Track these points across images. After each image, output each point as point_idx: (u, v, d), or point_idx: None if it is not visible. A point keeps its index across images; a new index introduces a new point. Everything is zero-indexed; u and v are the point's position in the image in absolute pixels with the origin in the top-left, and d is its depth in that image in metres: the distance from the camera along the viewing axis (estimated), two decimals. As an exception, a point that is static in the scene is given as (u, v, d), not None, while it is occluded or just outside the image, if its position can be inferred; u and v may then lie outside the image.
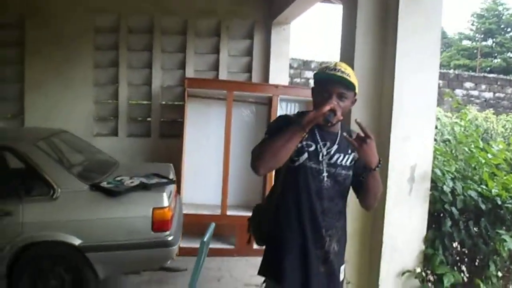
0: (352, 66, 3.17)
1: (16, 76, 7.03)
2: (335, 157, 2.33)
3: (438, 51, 3.16)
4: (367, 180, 2.28)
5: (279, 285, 2.36)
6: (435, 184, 3.24)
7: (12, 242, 3.89)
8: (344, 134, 2.27)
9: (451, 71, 18.55)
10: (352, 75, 2.26)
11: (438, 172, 3.27)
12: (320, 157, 2.31)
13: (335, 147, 2.34)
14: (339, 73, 2.23)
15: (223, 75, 7.27)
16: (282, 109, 6.34)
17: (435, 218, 3.26)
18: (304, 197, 2.30)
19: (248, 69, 7.40)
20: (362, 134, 2.16)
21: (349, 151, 2.35)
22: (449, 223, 3.16)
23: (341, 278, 2.43)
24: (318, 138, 2.34)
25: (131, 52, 7.20)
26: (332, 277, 2.37)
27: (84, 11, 6.92)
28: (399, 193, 3.03)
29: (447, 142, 5.34)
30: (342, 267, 2.43)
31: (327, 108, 2.13)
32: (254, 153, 2.25)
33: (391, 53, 3.09)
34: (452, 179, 3.29)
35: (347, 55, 3.34)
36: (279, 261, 2.35)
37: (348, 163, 2.35)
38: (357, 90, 2.29)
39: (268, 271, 2.45)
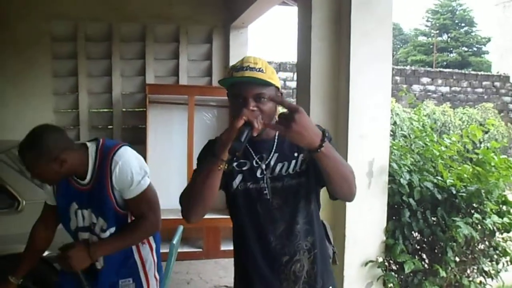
0: (308, 67, 3.28)
1: (-30, 88, 6.90)
2: (278, 168, 1.92)
3: (390, 51, 3.28)
4: (321, 164, 1.70)
5: None
6: (393, 178, 3.36)
7: (-24, 257, 3.84)
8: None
9: (408, 67, 18.97)
10: (266, 68, 1.85)
11: (395, 166, 3.39)
12: (259, 173, 1.93)
13: (275, 156, 1.94)
14: (247, 72, 1.82)
15: (183, 80, 7.29)
16: (244, 111, 6.41)
17: (394, 210, 3.38)
18: (251, 226, 1.94)
19: (208, 73, 7.44)
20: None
21: (295, 154, 1.93)
22: (407, 213, 3.27)
23: None
24: (252, 152, 1.95)
25: (90, 60, 7.14)
26: None
27: (39, 19, 6.81)
28: (359, 188, 3.03)
29: (405, 137, 5.53)
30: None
31: (240, 122, 1.69)
32: (181, 201, 1.87)
33: (345, 53, 3.20)
34: (409, 171, 3.42)
35: (303, 55, 3.44)
36: None
37: (298, 168, 1.92)
38: (278, 84, 1.89)
39: None
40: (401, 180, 3.29)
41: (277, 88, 1.89)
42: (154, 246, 2.53)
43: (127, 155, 2.31)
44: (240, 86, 1.84)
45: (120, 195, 2.32)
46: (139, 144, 6.33)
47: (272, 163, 1.93)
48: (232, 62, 7.20)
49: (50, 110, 7.03)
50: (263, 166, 1.93)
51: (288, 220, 1.91)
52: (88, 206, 2.34)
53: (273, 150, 1.94)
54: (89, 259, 2.19)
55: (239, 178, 1.94)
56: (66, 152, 2.23)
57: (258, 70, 1.83)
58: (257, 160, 1.93)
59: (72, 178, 2.34)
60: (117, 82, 7.17)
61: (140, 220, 2.33)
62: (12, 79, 6.81)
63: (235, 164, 1.93)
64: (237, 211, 1.97)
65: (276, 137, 1.96)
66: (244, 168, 1.94)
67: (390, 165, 3.31)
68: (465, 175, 3.39)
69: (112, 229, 2.33)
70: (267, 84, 1.83)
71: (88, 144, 2.36)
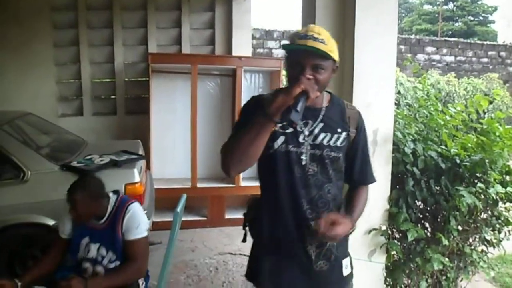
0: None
1: (-28, 60, 6.87)
2: (320, 137, 2.00)
3: (395, 19, 3.23)
4: None
5: None
6: (397, 146, 3.35)
7: (-14, 226, 3.89)
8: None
9: (413, 36, 18.78)
10: (328, 40, 1.89)
11: (399, 135, 3.38)
12: (301, 138, 1.99)
13: (320, 125, 2.01)
14: (310, 42, 1.85)
15: (186, 49, 7.26)
16: (247, 80, 6.40)
17: (398, 179, 3.39)
18: (286, 187, 2.00)
19: (211, 41, 7.40)
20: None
21: (338, 130, 2.03)
22: (411, 182, 3.28)
23: (345, 273, 2.13)
24: None
25: (91, 30, 7.11)
26: (331, 274, 2.10)
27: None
28: None
29: (409, 106, 5.50)
30: (345, 261, 2.15)
31: (297, 90, 1.76)
32: (222, 153, 1.93)
33: (350, 21, 3.16)
34: (413, 141, 3.41)
35: (307, 23, 3.40)
36: (260, 263, 2.15)
37: (339, 143, 2.02)
38: (336, 57, 1.94)
39: (249, 275, 2.24)
40: (405, 149, 3.29)
41: (334, 61, 1.94)
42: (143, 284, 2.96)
43: (137, 208, 2.90)
44: (301, 54, 1.88)
45: (123, 236, 2.80)
46: (143, 113, 6.36)
47: (316, 131, 2.01)
48: (235, 30, 7.19)
49: (52, 81, 7.04)
50: (306, 132, 2.00)
51: (321, 188, 2.01)
52: (99, 241, 2.84)
53: (319, 119, 2.03)
54: None
55: (281, 139, 1.99)
56: (104, 197, 2.88)
57: (320, 40, 1.86)
58: (302, 125, 2.00)
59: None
60: (119, 52, 7.16)
61: (130, 262, 2.78)
62: (13, 50, 6.79)
63: (279, 125, 1.96)
64: (272, 172, 2.02)
65: (324, 107, 2.06)
66: (288, 131, 1.99)
67: (394, 134, 3.30)
68: (469, 145, 3.39)
69: (117, 262, 2.80)
70: (327, 56, 1.87)
71: (110, 194, 2.94)
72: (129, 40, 7.24)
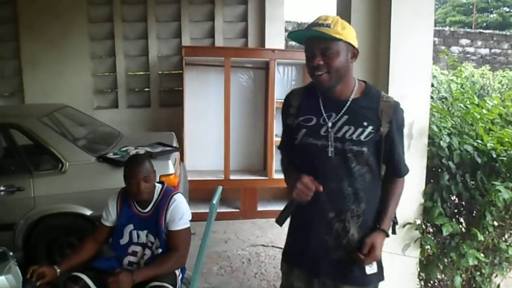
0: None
1: (12, 53, 7.08)
2: (343, 130, 1.99)
3: (432, 9, 3.19)
4: None
5: (286, 276, 2.27)
6: (433, 140, 3.31)
7: (25, 216, 4.01)
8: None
9: (447, 28, 18.42)
10: (335, 24, 1.90)
11: (435, 128, 3.33)
12: (323, 131, 2.00)
13: (344, 118, 2.00)
14: (314, 28, 1.91)
15: (219, 42, 7.31)
16: (280, 73, 6.41)
17: (433, 173, 3.35)
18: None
19: (244, 34, 7.43)
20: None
21: (364, 124, 1.99)
22: (446, 176, 3.24)
23: (369, 271, 2.08)
24: (322, 108, 2.04)
25: (126, 23, 7.24)
26: (351, 266, 2.08)
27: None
28: None
29: (443, 100, 5.43)
30: None
31: (292, 196, 1.98)
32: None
33: (386, 12, 3.13)
34: (449, 134, 3.36)
35: (343, 16, 3.38)
36: (289, 248, 2.27)
37: (362, 137, 1.98)
38: (349, 39, 1.93)
39: (282, 258, 2.33)
40: (441, 142, 3.25)
41: (349, 44, 1.94)
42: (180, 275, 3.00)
43: (182, 199, 2.97)
44: (308, 42, 1.95)
45: (167, 226, 2.88)
46: (176, 106, 6.44)
47: (339, 123, 2.00)
48: (268, 23, 7.20)
49: (88, 74, 7.19)
50: (330, 124, 2.01)
51: (340, 181, 2.01)
52: (144, 228, 2.93)
53: (343, 112, 2.02)
54: (132, 282, 2.61)
55: (302, 132, 2.05)
56: (155, 178, 2.97)
57: (325, 25, 1.89)
58: (325, 118, 2.02)
59: (135, 205, 2.96)
60: (153, 45, 7.26)
61: (172, 252, 2.85)
62: (51, 43, 6.96)
63: (301, 119, 2.06)
64: (299, 165, 2.08)
65: (350, 100, 2.03)
66: (309, 124, 2.04)
67: (430, 127, 3.27)
68: (506, 139, 3.33)
69: (160, 250, 2.89)
70: (332, 38, 1.88)
71: (156, 184, 2.98)
72: (163, 33, 7.33)
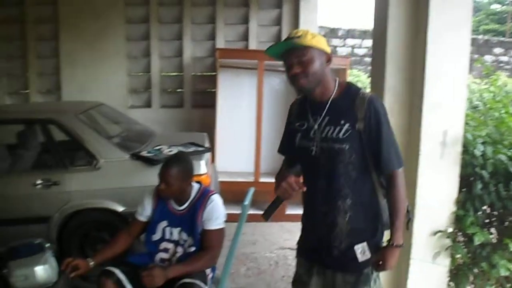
0: (385, 32, 3.23)
1: (51, 51, 7.28)
2: (326, 130, 2.16)
3: (469, 18, 3.16)
4: None
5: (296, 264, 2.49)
6: (466, 149, 3.30)
7: (60, 209, 4.11)
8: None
9: (480, 36, 18.12)
10: (305, 35, 2.08)
11: (469, 137, 3.32)
12: (312, 133, 2.19)
13: (326, 119, 2.17)
14: (284, 41, 2.12)
15: (252, 45, 7.36)
16: (312, 77, 6.41)
17: (466, 181, 3.32)
18: (306, 178, 2.24)
19: (278, 38, 7.45)
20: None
21: (341, 122, 2.13)
22: (479, 186, 3.20)
23: (361, 258, 2.22)
24: (309, 113, 2.22)
25: (162, 25, 7.35)
26: (345, 259, 2.24)
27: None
28: (431, 157, 3.09)
29: (476, 109, 5.35)
30: (358, 247, 2.23)
31: (277, 193, 2.15)
32: None
33: (423, 20, 3.13)
34: (483, 143, 3.34)
35: (380, 22, 3.39)
36: (298, 240, 2.49)
37: (341, 135, 2.13)
38: (321, 46, 2.11)
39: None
40: (475, 151, 3.22)
41: (321, 51, 2.12)
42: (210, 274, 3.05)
43: (219, 200, 3.04)
44: (285, 55, 2.12)
45: (202, 225, 2.94)
46: (209, 107, 6.51)
47: (322, 125, 2.18)
48: (302, 27, 7.19)
49: (124, 73, 7.32)
50: (316, 127, 2.19)
51: (328, 179, 2.18)
52: (178, 226, 2.99)
53: (324, 113, 2.18)
54: (165, 277, 2.68)
55: (298, 136, 2.26)
56: (192, 178, 3.01)
57: (297, 37, 2.08)
58: (312, 121, 2.20)
59: (170, 203, 3.02)
60: (187, 46, 7.35)
61: (205, 251, 2.91)
62: (89, 43, 7.12)
63: (297, 124, 2.27)
64: (301, 166, 2.19)
65: (329, 101, 2.19)
66: (303, 128, 2.24)
67: (464, 136, 3.24)
68: (541, 150, 3.28)
69: (193, 248, 2.95)
70: (305, 46, 2.06)
71: (193, 183, 3.05)
72: (198, 35, 7.43)
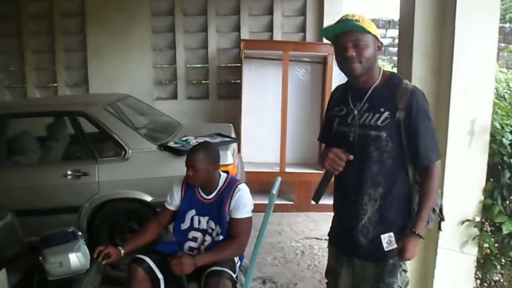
0: (411, 21, 3.22)
1: (79, 44, 7.40)
2: (364, 116, 2.17)
3: (498, 5, 3.12)
4: None
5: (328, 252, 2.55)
6: (494, 137, 3.26)
7: (90, 199, 4.19)
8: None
9: (507, 25, 17.73)
10: (362, 20, 2.10)
11: (497, 126, 3.29)
12: (350, 119, 2.21)
13: (366, 105, 2.18)
14: (343, 22, 2.11)
15: (277, 36, 7.35)
16: (337, 67, 6.39)
17: (493, 170, 3.29)
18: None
19: (302, 29, 7.44)
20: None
21: (381, 109, 2.14)
22: (508, 174, 3.17)
23: (388, 247, 2.21)
24: (350, 99, 2.24)
25: (187, 17, 7.39)
26: (370, 247, 2.25)
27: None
28: (459, 145, 3.07)
29: (501, 99, 5.27)
30: (384, 236, 2.22)
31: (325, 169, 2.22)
32: None
33: (451, 8, 3.10)
34: (511, 132, 3.31)
35: (406, 9, 3.37)
36: (330, 228, 2.52)
37: (379, 122, 2.13)
38: (375, 33, 2.13)
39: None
40: (503, 140, 3.19)
41: (375, 37, 2.14)
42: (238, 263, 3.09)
43: (246, 189, 3.06)
44: (339, 36, 2.12)
45: (230, 214, 2.97)
46: (234, 98, 6.55)
47: (362, 111, 2.19)
48: (326, 18, 7.19)
49: (149, 65, 7.39)
50: (355, 112, 2.20)
51: (361, 165, 2.18)
52: (206, 215, 3.04)
53: (365, 100, 2.19)
54: (194, 265, 2.75)
55: (336, 121, 2.28)
56: (218, 164, 3.06)
57: (355, 21, 2.09)
58: (352, 107, 2.22)
59: (199, 192, 3.08)
60: (212, 38, 7.38)
61: (233, 239, 2.94)
62: (116, 35, 7.22)
63: (336, 109, 2.31)
64: None
65: (372, 88, 2.20)
66: (341, 113, 2.27)
67: (492, 124, 3.21)
68: None
69: (221, 237, 2.99)
70: (362, 30, 2.08)
71: (221, 172, 3.11)
72: (223, 26, 7.45)
